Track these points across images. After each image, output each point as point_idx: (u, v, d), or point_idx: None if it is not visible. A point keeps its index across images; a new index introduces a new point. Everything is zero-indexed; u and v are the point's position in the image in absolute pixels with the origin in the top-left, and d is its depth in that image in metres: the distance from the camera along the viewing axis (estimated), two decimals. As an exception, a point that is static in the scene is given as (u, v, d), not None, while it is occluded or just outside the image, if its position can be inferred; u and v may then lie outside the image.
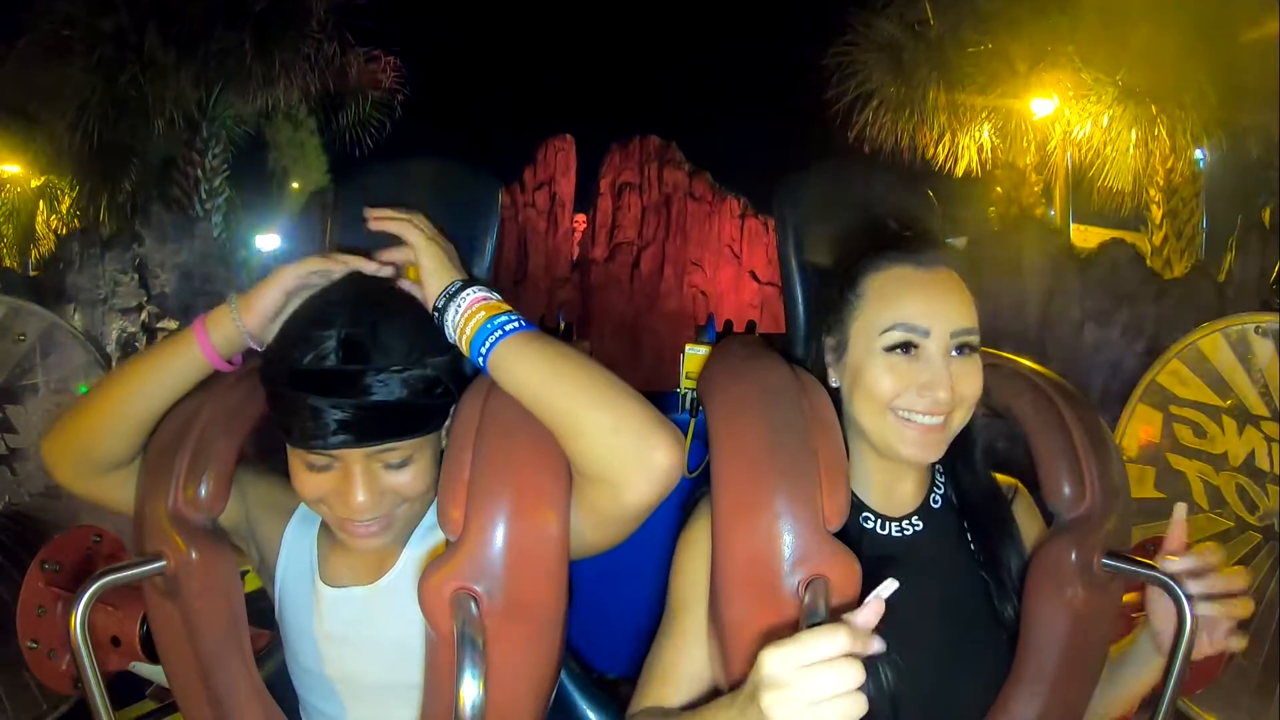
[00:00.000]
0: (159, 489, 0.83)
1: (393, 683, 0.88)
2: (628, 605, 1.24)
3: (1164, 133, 6.09)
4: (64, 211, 7.65)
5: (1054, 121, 6.97)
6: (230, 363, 0.86)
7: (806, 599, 0.69)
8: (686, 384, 1.36)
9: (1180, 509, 0.82)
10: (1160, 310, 5.40)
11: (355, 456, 0.78)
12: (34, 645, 1.64)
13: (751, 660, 0.73)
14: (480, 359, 0.79)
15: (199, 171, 7.48)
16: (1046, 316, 5.67)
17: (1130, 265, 5.67)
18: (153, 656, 1.34)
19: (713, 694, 0.80)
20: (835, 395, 0.89)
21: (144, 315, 6.30)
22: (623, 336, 11.08)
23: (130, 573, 0.80)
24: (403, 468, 0.81)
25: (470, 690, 0.67)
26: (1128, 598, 0.87)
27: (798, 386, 0.82)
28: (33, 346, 1.80)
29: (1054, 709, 0.82)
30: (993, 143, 7.34)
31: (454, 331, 0.81)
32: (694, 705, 0.79)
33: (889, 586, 0.60)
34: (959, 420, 0.82)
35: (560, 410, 0.75)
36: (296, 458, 0.80)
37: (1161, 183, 6.49)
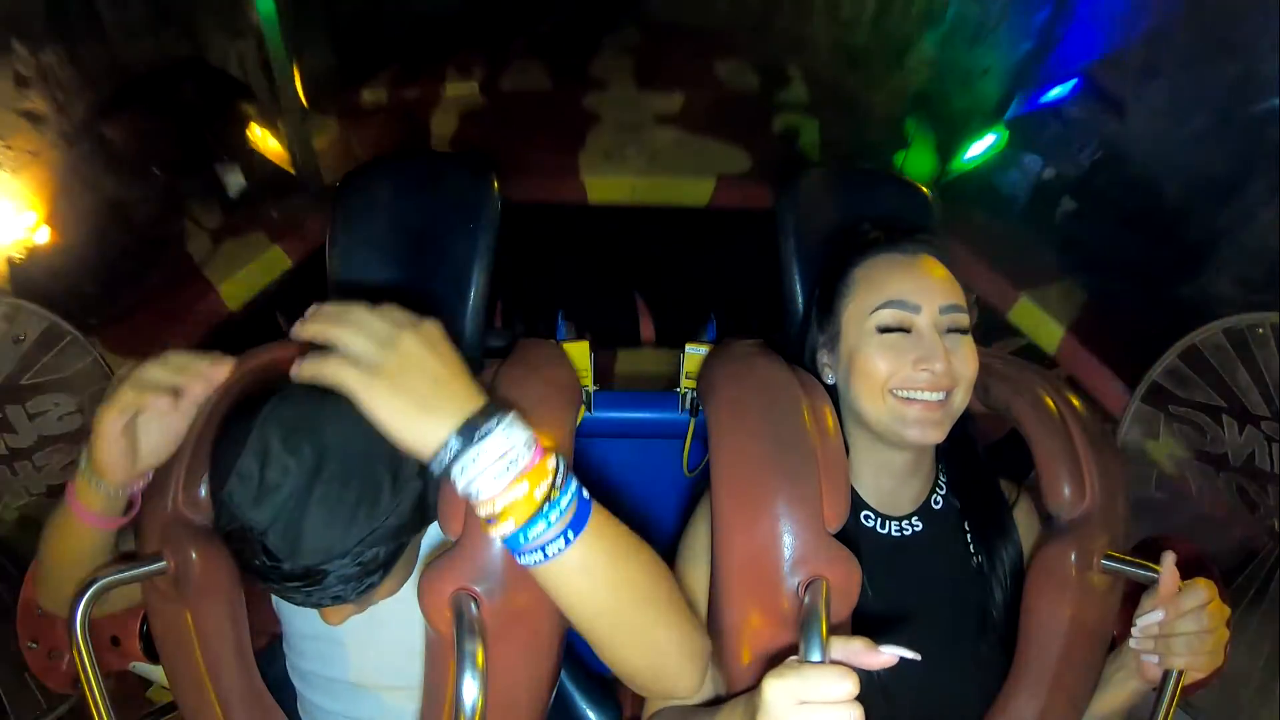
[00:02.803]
0: (159, 491, 0.83)
1: (394, 683, 0.88)
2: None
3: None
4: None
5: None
6: (131, 505, 0.80)
7: (806, 600, 0.69)
8: (686, 384, 1.36)
9: (1169, 560, 0.78)
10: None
11: None
12: (34, 645, 1.64)
13: (751, 660, 0.74)
14: (524, 560, 0.61)
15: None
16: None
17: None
18: (153, 656, 1.34)
19: (714, 698, 0.80)
20: (833, 394, 0.89)
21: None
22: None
23: (130, 573, 0.79)
24: None
25: (470, 690, 0.67)
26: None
27: (798, 386, 0.82)
28: (33, 346, 1.79)
29: (1054, 709, 0.82)
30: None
31: (478, 508, 0.60)
32: (702, 707, 0.79)
33: (913, 656, 0.58)
34: (959, 400, 0.82)
35: (605, 633, 0.67)
36: None
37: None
